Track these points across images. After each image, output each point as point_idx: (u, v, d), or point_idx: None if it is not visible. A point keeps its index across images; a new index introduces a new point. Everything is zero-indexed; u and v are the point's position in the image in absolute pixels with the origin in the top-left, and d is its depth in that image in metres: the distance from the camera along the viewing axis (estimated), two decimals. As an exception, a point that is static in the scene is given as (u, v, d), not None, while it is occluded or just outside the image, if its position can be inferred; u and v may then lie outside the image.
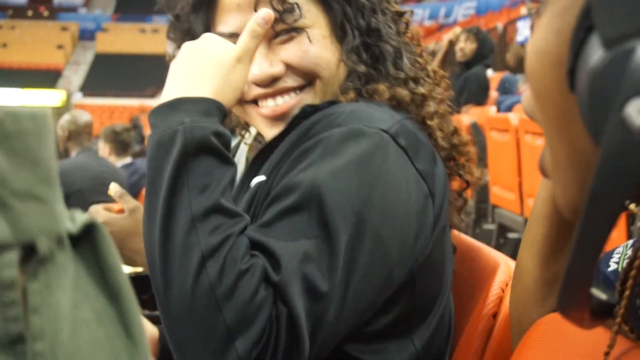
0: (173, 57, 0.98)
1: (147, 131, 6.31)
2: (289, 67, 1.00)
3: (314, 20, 1.00)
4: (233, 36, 0.98)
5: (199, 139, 0.82)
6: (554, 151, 0.48)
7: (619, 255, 0.76)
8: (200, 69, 0.89)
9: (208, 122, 0.84)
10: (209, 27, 1.03)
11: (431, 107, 1.01)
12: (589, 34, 0.40)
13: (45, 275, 0.34)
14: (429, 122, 1.00)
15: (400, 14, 1.08)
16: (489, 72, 6.45)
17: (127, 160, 5.48)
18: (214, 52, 0.90)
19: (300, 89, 1.00)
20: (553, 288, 0.81)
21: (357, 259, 0.84)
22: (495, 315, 0.98)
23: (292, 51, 0.99)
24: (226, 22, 1.01)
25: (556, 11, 0.44)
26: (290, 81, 0.99)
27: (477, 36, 5.69)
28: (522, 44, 8.34)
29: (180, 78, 0.89)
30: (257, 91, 1.00)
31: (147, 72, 26.37)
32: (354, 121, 0.91)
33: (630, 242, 0.76)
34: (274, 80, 0.99)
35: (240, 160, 1.23)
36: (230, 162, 0.85)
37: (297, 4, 0.98)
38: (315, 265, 0.81)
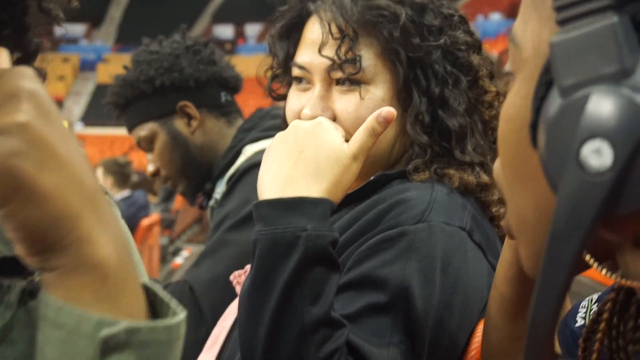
0: None
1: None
2: (337, 119, 0.99)
3: (377, 78, 0.99)
4: (301, 69, 1.01)
5: (319, 249, 0.81)
6: (520, 212, 0.50)
7: (584, 310, 0.77)
8: (317, 165, 0.86)
9: (327, 230, 0.83)
10: (289, 56, 1.06)
11: (495, 195, 0.99)
12: (550, 89, 0.42)
13: None
14: (492, 209, 1.00)
15: (475, 79, 1.03)
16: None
17: (126, 193, 5.49)
18: (331, 147, 0.87)
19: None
20: (522, 344, 0.82)
21: None
22: (478, 362, 0.99)
23: (343, 104, 0.99)
24: (302, 54, 1.03)
25: (524, 77, 0.47)
26: None
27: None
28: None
29: (295, 169, 0.86)
30: None
31: (148, 101, 26.49)
32: (435, 215, 0.91)
33: (595, 296, 0.77)
34: None
35: None
36: (338, 268, 0.84)
37: (360, 56, 0.97)
38: None
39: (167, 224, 8.29)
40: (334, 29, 0.98)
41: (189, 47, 1.73)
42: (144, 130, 1.74)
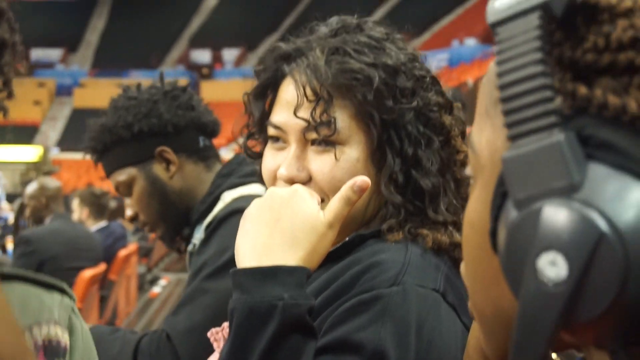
0: None
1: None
2: (312, 179, 1.01)
3: (351, 139, 1.00)
4: (277, 128, 1.02)
5: (296, 318, 0.83)
6: (480, 308, 0.52)
7: None
8: (294, 233, 0.88)
9: (303, 299, 0.84)
10: (265, 115, 1.07)
11: None
12: (505, 198, 0.44)
13: None
14: None
15: (447, 139, 1.04)
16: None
17: (103, 224, 5.44)
18: (307, 215, 0.89)
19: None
20: None
21: None
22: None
23: (318, 164, 1.00)
24: (277, 114, 1.03)
25: (482, 183, 0.49)
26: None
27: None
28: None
29: (272, 237, 0.88)
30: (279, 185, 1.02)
31: (125, 126, 26.34)
32: (409, 277, 0.93)
33: None
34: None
35: None
36: (315, 336, 0.86)
37: (334, 118, 0.99)
38: None
39: (144, 252, 8.23)
40: (309, 92, 1.00)
41: (167, 93, 1.75)
42: (122, 175, 1.75)
